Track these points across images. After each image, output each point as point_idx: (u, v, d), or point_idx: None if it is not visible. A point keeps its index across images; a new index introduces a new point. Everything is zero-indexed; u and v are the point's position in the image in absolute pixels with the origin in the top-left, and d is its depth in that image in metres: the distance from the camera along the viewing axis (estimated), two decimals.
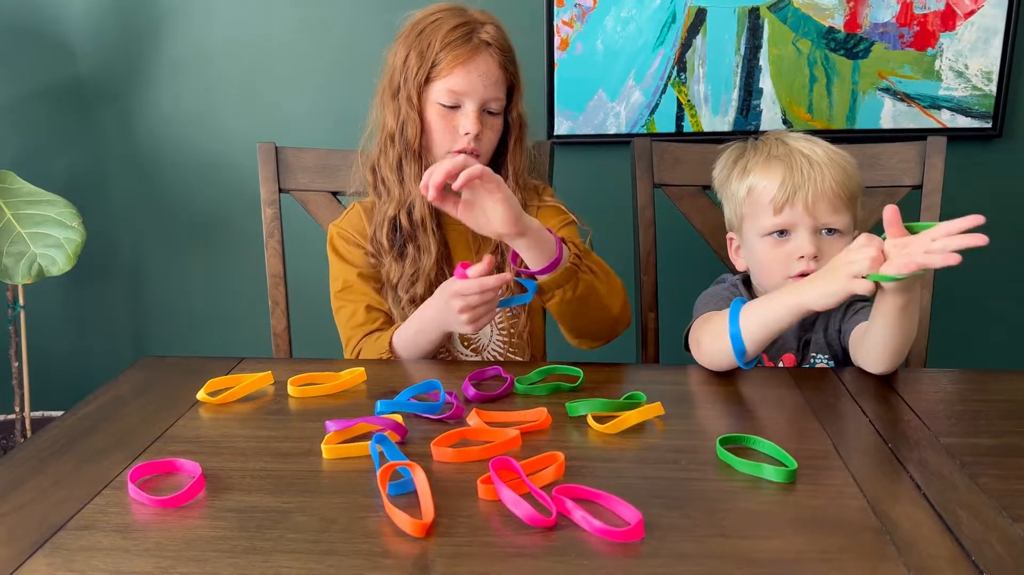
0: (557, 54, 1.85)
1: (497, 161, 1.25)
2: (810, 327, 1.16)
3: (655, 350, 1.40)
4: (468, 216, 1.02)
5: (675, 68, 1.83)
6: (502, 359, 1.22)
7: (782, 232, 1.10)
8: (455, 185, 0.97)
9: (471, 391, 0.94)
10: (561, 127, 1.90)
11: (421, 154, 1.20)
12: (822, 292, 0.91)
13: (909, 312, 0.92)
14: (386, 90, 1.20)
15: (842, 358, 1.14)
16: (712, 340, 1.01)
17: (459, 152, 1.16)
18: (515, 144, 1.24)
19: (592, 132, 1.89)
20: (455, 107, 1.17)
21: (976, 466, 0.77)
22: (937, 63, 1.76)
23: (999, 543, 0.65)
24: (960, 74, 1.76)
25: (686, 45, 1.82)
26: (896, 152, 1.34)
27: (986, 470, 0.77)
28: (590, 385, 0.98)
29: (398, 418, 0.85)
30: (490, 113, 1.19)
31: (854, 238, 0.95)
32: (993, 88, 1.76)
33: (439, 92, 1.16)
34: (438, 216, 1.22)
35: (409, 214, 1.20)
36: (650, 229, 1.41)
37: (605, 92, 1.87)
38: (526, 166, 1.26)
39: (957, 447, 0.81)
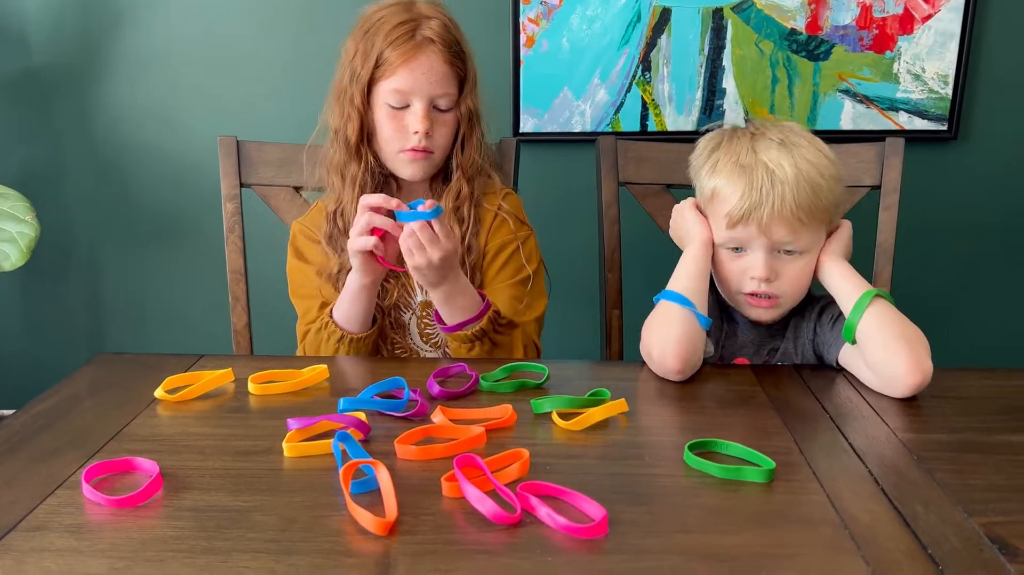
0: (523, 51, 1.85)
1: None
2: (778, 334, 1.13)
3: (619, 347, 1.41)
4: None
5: (640, 67, 1.84)
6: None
7: (737, 249, 1.06)
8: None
9: (436, 388, 0.93)
10: (527, 124, 1.89)
11: (363, 155, 1.18)
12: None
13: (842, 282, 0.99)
14: (335, 88, 1.19)
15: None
16: (659, 329, 1.00)
17: (411, 151, 1.16)
18: (464, 138, 1.22)
19: (558, 130, 1.89)
20: (404, 107, 1.16)
21: (932, 461, 0.79)
22: (895, 66, 1.80)
23: (955, 537, 0.66)
24: (917, 77, 1.80)
25: (651, 44, 1.83)
26: (856, 152, 1.36)
27: (942, 465, 0.78)
28: (555, 382, 0.98)
29: (361, 416, 0.84)
30: (440, 109, 1.18)
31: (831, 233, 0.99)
32: (949, 91, 1.80)
33: (386, 93, 1.15)
34: None
35: (343, 213, 1.19)
36: (614, 227, 1.42)
37: (571, 90, 1.87)
38: (479, 161, 1.24)
39: (914, 443, 0.83)
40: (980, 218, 1.86)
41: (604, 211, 1.42)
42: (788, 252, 1.05)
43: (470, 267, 1.21)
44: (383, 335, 1.20)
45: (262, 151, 1.40)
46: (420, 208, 1.01)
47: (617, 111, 1.87)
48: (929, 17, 1.76)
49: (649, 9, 1.80)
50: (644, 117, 1.87)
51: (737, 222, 1.03)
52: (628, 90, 1.86)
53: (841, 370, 1.03)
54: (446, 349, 1.24)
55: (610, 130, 1.87)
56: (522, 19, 1.82)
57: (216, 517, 0.69)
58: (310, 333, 1.16)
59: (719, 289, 1.12)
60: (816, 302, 1.12)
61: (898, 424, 0.87)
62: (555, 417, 0.86)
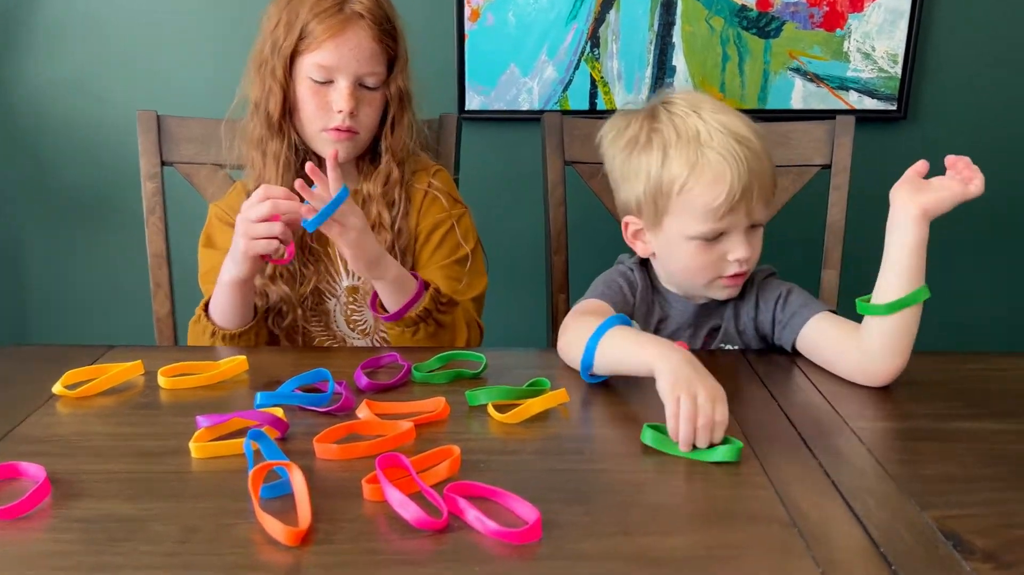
0: (467, 25, 1.77)
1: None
2: (714, 313, 1.07)
3: None
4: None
5: (588, 43, 1.78)
6: (389, 343, 1.15)
7: (719, 234, 0.98)
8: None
9: (363, 380, 0.87)
10: (472, 102, 1.82)
11: (285, 131, 1.11)
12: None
13: (921, 256, 0.89)
14: (255, 58, 1.11)
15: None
16: (571, 341, 0.92)
17: (334, 130, 1.09)
18: (394, 120, 1.15)
19: (504, 108, 1.82)
20: (328, 82, 1.08)
21: (884, 451, 0.75)
22: (845, 44, 1.77)
23: (908, 532, 0.63)
24: (867, 56, 1.77)
25: (599, 20, 1.77)
26: (806, 131, 1.33)
27: (895, 455, 0.75)
28: (494, 371, 0.92)
29: (279, 412, 0.78)
30: (367, 88, 1.11)
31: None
32: (898, 71, 1.77)
33: (309, 67, 1.08)
34: None
35: None
36: (560, 208, 1.36)
37: (517, 67, 1.81)
38: (410, 144, 1.18)
39: (866, 432, 0.79)
40: None
41: (549, 191, 1.36)
42: (754, 226, 1.00)
43: (400, 251, 1.15)
44: (294, 327, 1.13)
45: (184, 126, 1.31)
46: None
47: (565, 89, 1.81)
48: None
49: None
50: (593, 95, 1.81)
51: (726, 212, 0.95)
52: (576, 67, 1.80)
53: (792, 355, 0.99)
54: (376, 337, 1.17)
55: (559, 108, 1.81)
56: None
57: (109, 528, 0.62)
58: (189, 324, 1.09)
59: (681, 282, 1.05)
60: (752, 275, 1.07)
61: (850, 412, 0.83)
62: (491, 410, 0.81)
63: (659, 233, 1.02)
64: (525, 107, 1.82)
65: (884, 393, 0.88)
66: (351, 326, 1.16)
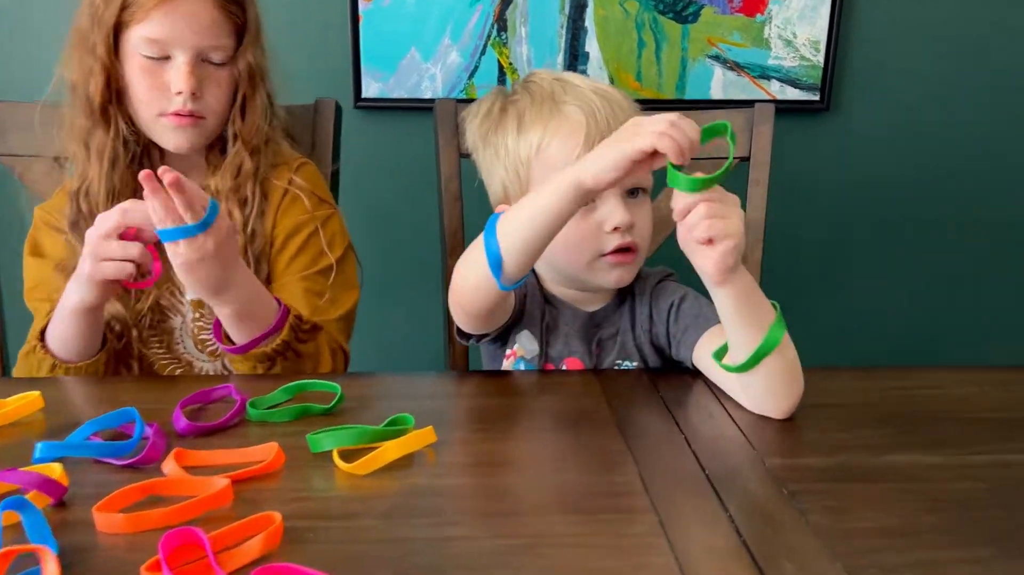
0: (362, 4, 1.61)
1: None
2: (607, 321, 0.95)
3: (464, 347, 1.22)
4: None
5: (495, 27, 1.64)
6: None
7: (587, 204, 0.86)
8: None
9: (182, 422, 0.70)
10: (369, 89, 1.66)
11: (111, 120, 0.94)
12: (604, 158, 0.70)
13: (756, 292, 0.74)
14: (73, 31, 0.93)
15: (655, 364, 0.96)
16: (466, 268, 0.79)
17: (174, 116, 0.92)
18: (244, 102, 0.99)
19: (405, 96, 1.67)
20: (164, 58, 0.92)
21: (806, 496, 0.63)
22: (766, 30, 1.67)
23: None
24: (789, 43, 1.68)
25: (506, 1, 1.63)
26: (724, 119, 1.21)
27: (817, 501, 0.62)
28: (352, 404, 0.77)
29: (55, 469, 0.61)
30: (212, 64, 0.95)
31: None
32: (821, 59, 1.68)
33: (138, 41, 0.91)
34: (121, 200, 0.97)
35: (88, 194, 0.94)
36: (456, 204, 1.22)
37: (418, 51, 1.65)
38: (265, 129, 1.02)
39: (784, 471, 0.67)
40: (854, 196, 1.77)
41: (444, 186, 1.22)
42: (632, 194, 0.89)
43: (254, 257, 0.99)
44: (128, 351, 0.96)
45: (14, 113, 1.12)
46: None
47: (471, 76, 1.66)
48: None
49: None
50: (501, 83, 1.67)
51: None
52: (483, 52, 1.65)
53: (698, 372, 0.86)
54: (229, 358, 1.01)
55: (464, 96, 1.67)
56: None
57: None
58: (20, 355, 0.91)
59: (562, 266, 0.92)
60: (646, 277, 0.96)
61: (767, 446, 0.71)
62: (336, 458, 0.66)
63: None
64: (428, 95, 1.66)
65: (807, 419, 0.76)
66: (200, 346, 1.00)
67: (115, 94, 0.92)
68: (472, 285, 0.78)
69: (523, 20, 1.64)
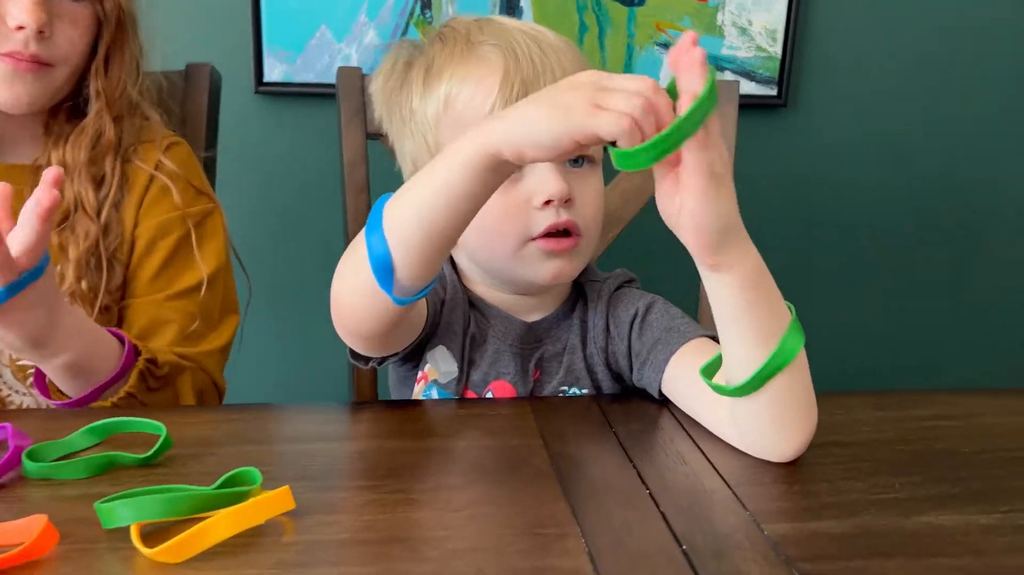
0: None
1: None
2: (549, 333, 0.75)
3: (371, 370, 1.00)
4: None
5: (418, 4, 1.45)
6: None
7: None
8: None
9: None
10: (273, 72, 1.45)
11: None
12: (534, 127, 0.49)
13: (766, 285, 0.54)
14: None
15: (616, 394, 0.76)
16: (347, 274, 0.58)
17: (9, 57, 0.70)
18: (109, 52, 0.79)
19: (314, 80, 1.46)
20: None
21: None
22: (719, 16, 1.51)
23: None
24: (744, 31, 1.52)
25: None
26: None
27: None
28: (185, 451, 0.55)
29: None
30: None
31: None
32: (778, 50, 1.53)
33: None
34: None
35: None
36: (362, 194, 1.01)
37: (330, 29, 1.45)
38: (133, 93, 0.82)
39: (790, 542, 0.47)
40: (815, 199, 1.62)
41: (347, 173, 1.00)
42: (577, 162, 0.69)
43: (108, 256, 0.77)
44: None
45: None
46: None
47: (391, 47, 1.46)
48: None
49: None
50: None
51: None
52: (404, 31, 1.46)
53: (665, 402, 0.67)
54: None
55: None
56: None
57: None
58: None
59: (485, 256, 0.72)
60: (602, 281, 0.77)
61: (763, 504, 0.51)
62: (135, 537, 0.44)
63: None
64: None
65: (807, 466, 0.57)
66: (21, 376, 0.76)
67: None
68: (355, 299, 0.57)
69: None
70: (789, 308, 0.56)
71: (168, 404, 0.73)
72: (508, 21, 0.71)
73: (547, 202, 0.66)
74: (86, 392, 0.67)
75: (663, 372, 0.67)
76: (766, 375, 0.54)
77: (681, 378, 0.65)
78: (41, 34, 0.72)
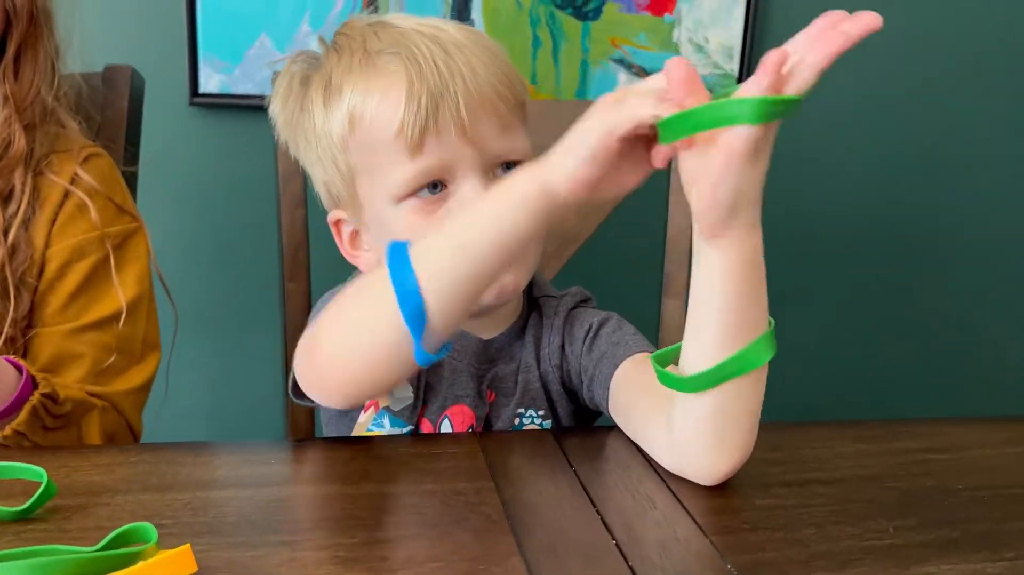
0: None
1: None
2: (506, 355, 0.70)
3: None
4: None
5: (365, 13, 1.38)
6: None
7: (434, 186, 0.62)
8: None
9: None
10: (209, 83, 1.37)
11: None
12: (579, 148, 0.47)
13: (757, 276, 0.51)
14: None
15: (568, 417, 0.71)
16: (354, 325, 0.53)
17: None
18: (20, 50, 0.72)
19: (253, 91, 1.38)
20: None
21: None
22: (675, 33, 1.48)
23: None
24: (700, 48, 1.49)
25: None
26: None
27: None
28: (72, 502, 0.46)
29: None
30: None
31: None
32: (735, 67, 1.51)
33: None
34: None
35: None
36: (299, 211, 0.93)
37: (271, 38, 1.37)
38: (47, 99, 0.74)
39: None
40: (770, 211, 1.59)
41: (282, 187, 0.93)
42: (507, 167, 0.64)
43: (15, 281, 0.69)
44: None
45: None
46: None
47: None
48: None
49: None
50: None
51: (421, 131, 0.59)
52: None
53: (638, 453, 0.61)
54: None
55: None
56: None
57: None
58: None
59: None
60: (558, 299, 0.72)
61: (744, 554, 0.45)
62: None
63: (364, 216, 0.66)
64: None
65: (790, 508, 0.51)
66: None
67: None
68: (367, 353, 0.52)
69: (398, 6, 1.39)
70: (769, 321, 0.51)
71: (69, 445, 0.65)
72: (404, 21, 0.65)
73: None
74: None
75: (608, 387, 0.63)
76: (724, 374, 0.49)
77: (621, 389, 0.61)
78: None
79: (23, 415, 0.61)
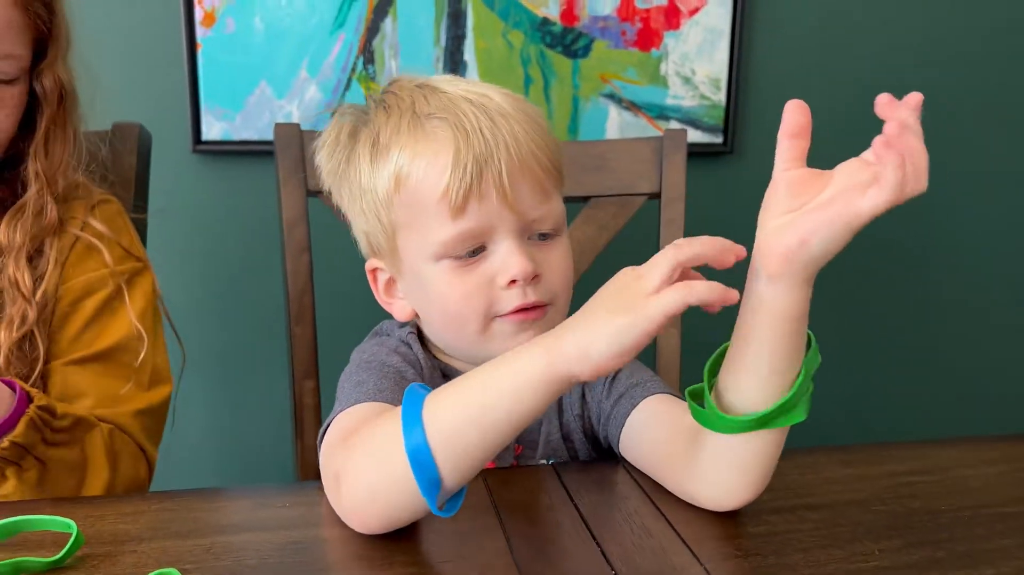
0: (200, 32, 1.37)
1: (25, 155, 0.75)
2: None
3: (316, 438, 0.94)
4: None
5: (360, 59, 1.43)
6: None
7: (474, 251, 0.64)
8: None
9: None
10: (211, 130, 1.40)
11: None
12: (613, 338, 0.48)
13: (798, 334, 0.52)
14: None
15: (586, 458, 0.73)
16: (373, 466, 0.53)
17: None
18: (49, 132, 0.75)
19: (255, 137, 1.42)
20: None
21: None
22: (663, 67, 1.52)
23: None
24: (687, 80, 1.53)
25: (372, 30, 1.42)
26: (628, 150, 1.02)
27: None
28: (99, 549, 0.49)
29: None
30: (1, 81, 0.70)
31: None
32: (722, 98, 1.55)
33: None
34: None
35: None
36: (303, 256, 0.96)
37: (270, 86, 1.41)
38: (74, 174, 0.78)
39: None
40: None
41: (286, 233, 0.96)
42: (542, 236, 0.68)
43: (41, 339, 0.71)
44: None
45: None
46: None
47: (334, 113, 1.43)
48: (696, 11, 1.51)
49: None
50: None
51: (466, 196, 0.62)
52: (347, 87, 1.43)
53: (623, 462, 0.63)
54: None
55: None
56: None
57: None
58: None
59: (447, 338, 0.70)
60: None
61: None
62: None
63: (406, 270, 0.68)
64: None
65: (779, 534, 0.53)
66: None
67: None
68: (389, 503, 0.52)
69: (393, 52, 1.43)
70: (811, 383, 0.54)
71: (75, 465, 0.67)
72: (452, 87, 0.68)
73: (512, 282, 0.63)
74: None
75: (623, 427, 0.65)
76: (765, 422, 0.51)
77: (639, 423, 0.63)
78: None
79: (21, 427, 0.62)
